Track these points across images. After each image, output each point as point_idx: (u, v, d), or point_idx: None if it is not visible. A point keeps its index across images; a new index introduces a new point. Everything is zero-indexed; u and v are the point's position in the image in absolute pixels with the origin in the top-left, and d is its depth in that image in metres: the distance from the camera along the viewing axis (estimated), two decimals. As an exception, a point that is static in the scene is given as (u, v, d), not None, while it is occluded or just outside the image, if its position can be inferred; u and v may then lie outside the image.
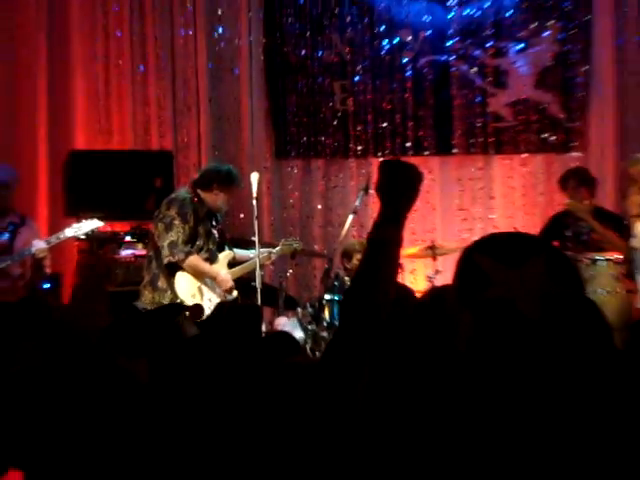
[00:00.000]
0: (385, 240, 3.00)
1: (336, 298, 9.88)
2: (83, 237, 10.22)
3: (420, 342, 4.17)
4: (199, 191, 9.25)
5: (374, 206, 10.88)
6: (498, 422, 2.65)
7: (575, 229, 10.06)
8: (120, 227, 11.05)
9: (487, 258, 2.63)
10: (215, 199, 9.21)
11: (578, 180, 10.13)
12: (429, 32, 12.17)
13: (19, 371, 4.27)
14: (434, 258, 10.77)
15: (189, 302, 8.97)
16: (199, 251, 9.12)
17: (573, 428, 2.61)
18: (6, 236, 9.45)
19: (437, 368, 3.94)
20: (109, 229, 11.02)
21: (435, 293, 4.47)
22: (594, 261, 9.79)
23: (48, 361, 4.45)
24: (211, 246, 9.29)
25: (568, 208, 10.12)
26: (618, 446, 2.61)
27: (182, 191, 9.43)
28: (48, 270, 9.95)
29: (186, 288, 9.06)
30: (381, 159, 11.62)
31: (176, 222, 9.00)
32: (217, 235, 9.39)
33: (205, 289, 9.18)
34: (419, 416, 3.02)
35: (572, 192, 10.09)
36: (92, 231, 10.00)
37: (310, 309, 10.05)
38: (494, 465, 2.55)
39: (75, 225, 9.80)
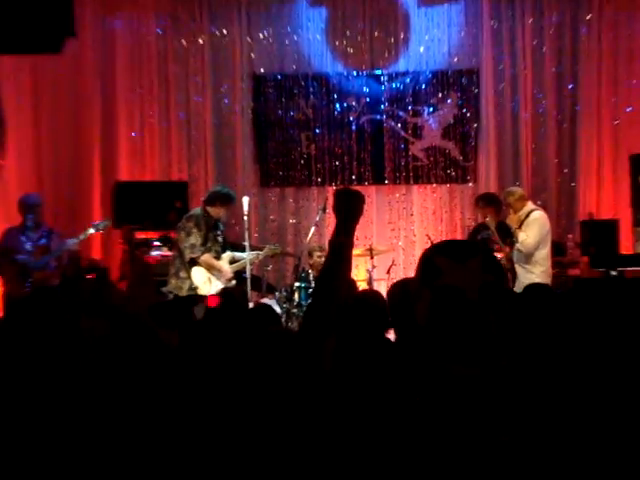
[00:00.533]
0: (341, 244, 3.34)
1: (303, 285, 10.48)
2: (101, 231, 10.65)
3: (393, 319, 4.82)
4: (207, 207, 9.94)
5: (330, 221, 11.50)
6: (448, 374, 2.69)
7: (483, 235, 10.59)
8: (151, 235, 11.45)
9: (441, 257, 2.73)
10: (218, 212, 9.86)
11: (486, 201, 10.61)
12: (368, 99, 12.83)
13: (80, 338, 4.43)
14: (371, 257, 11.34)
15: (202, 287, 9.76)
16: (209, 251, 9.82)
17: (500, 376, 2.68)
18: (44, 241, 10.03)
19: (402, 338, 4.76)
20: (143, 236, 11.46)
21: (401, 284, 5.08)
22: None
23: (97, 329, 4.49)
24: (217, 248, 9.96)
25: (483, 222, 10.75)
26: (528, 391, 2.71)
27: (197, 209, 10.14)
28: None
29: (200, 278, 9.79)
30: (335, 188, 12.13)
31: (194, 230, 9.75)
32: (221, 241, 10.06)
33: (213, 278, 9.86)
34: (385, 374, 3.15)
35: (481, 210, 10.69)
36: (105, 227, 10.57)
37: (284, 293, 10.59)
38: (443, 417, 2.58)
39: (94, 224, 10.47)
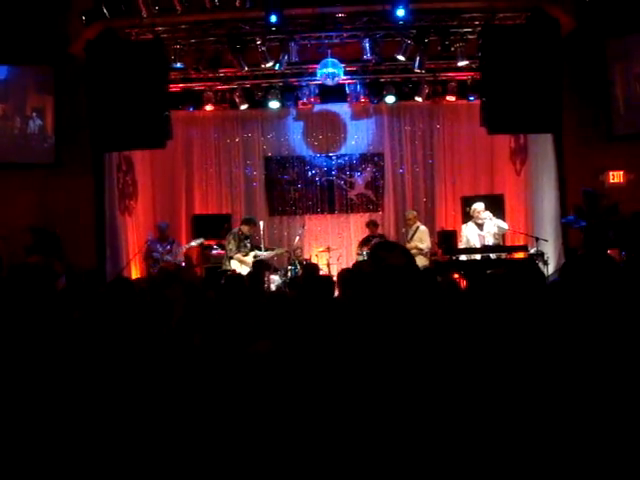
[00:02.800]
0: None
1: (291, 268, 10.57)
2: (197, 245, 11.19)
3: (355, 283, 4.50)
4: (241, 226, 10.42)
5: (305, 233, 12.33)
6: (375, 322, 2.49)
7: (376, 240, 10.35)
8: (213, 242, 11.54)
9: (381, 250, 2.83)
10: (246, 229, 10.31)
11: (370, 224, 11.66)
12: (325, 168, 13.11)
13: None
14: (329, 252, 11.60)
15: (238, 270, 9.75)
16: (239, 252, 10.24)
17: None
18: (169, 247, 10.72)
19: (346, 296, 4.50)
20: (208, 243, 11.55)
21: (357, 264, 5.48)
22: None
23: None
24: (246, 250, 10.30)
25: (370, 234, 11.38)
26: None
27: (235, 229, 10.54)
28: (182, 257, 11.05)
29: (235, 265, 10.15)
30: (308, 217, 12.94)
31: (231, 241, 10.26)
32: (249, 246, 10.33)
33: (243, 266, 10.08)
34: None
35: (369, 227, 11.57)
36: (200, 243, 11.19)
37: (282, 271, 10.71)
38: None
39: (195, 240, 11.08)
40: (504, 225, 10.26)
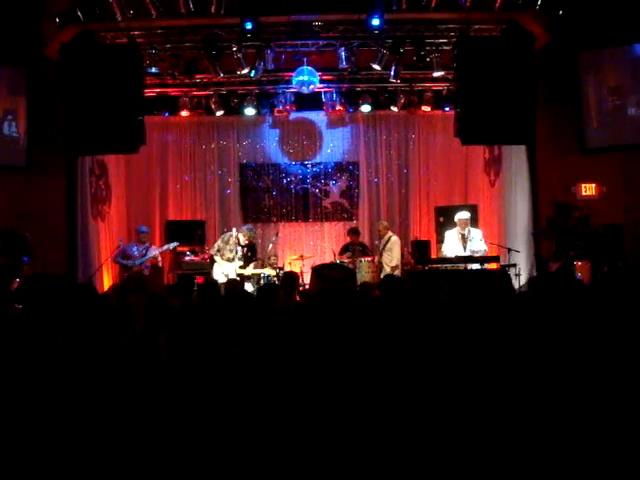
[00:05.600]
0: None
1: (265, 275, 10.45)
2: (173, 248, 11.03)
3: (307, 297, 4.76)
4: (238, 232, 10.47)
5: (279, 240, 12.36)
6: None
7: (356, 247, 11.06)
8: (185, 249, 11.57)
9: (323, 269, 2.90)
10: (243, 238, 10.32)
11: (351, 232, 11.49)
12: (300, 176, 13.11)
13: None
14: (302, 260, 11.41)
15: (218, 278, 9.75)
16: (220, 254, 10.25)
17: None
18: (143, 250, 10.52)
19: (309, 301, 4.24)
20: (181, 249, 11.56)
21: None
22: (360, 260, 10.45)
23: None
24: (230, 255, 10.23)
25: (351, 241, 11.28)
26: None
27: (228, 232, 10.72)
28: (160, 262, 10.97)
29: (216, 269, 10.29)
30: (282, 224, 13.00)
31: (219, 240, 10.45)
32: (239, 254, 10.29)
33: (224, 274, 10.11)
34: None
35: (350, 236, 11.40)
36: (174, 247, 11.03)
37: (255, 279, 10.43)
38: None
39: (168, 244, 10.89)
40: (483, 247, 10.00)
